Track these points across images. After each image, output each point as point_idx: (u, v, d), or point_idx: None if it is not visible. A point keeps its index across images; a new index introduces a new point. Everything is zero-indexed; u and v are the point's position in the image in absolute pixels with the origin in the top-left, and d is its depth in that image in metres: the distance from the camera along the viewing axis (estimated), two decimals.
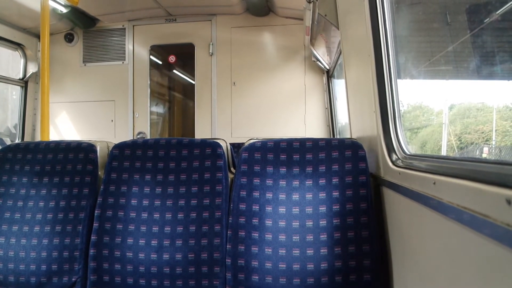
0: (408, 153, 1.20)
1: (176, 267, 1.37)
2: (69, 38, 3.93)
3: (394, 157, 1.23)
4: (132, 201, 1.47)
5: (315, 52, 3.24)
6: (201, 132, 3.83)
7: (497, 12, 1.42)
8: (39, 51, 3.70)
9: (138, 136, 3.89)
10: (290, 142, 1.43)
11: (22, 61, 3.74)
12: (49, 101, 2.86)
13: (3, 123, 4.10)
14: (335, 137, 3.48)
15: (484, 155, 1.96)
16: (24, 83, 3.76)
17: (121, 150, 1.54)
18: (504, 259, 0.57)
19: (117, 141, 1.60)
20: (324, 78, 3.64)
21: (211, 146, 1.49)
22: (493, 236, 0.59)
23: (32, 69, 3.73)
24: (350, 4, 1.62)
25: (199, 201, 1.43)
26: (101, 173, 1.61)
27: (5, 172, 1.60)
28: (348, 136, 1.84)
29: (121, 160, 1.53)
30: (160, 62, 4.24)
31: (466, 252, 0.70)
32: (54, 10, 3.38)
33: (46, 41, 2.78)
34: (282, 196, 1.37)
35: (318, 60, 3.42)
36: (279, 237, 1.32)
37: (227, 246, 1.35)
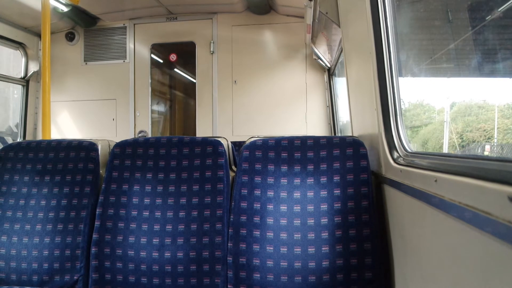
0: (409, 150, 1.19)
1: (177, 265, 1.38)
2: (70, 37, 3.93)
3: (395, 154, 1.22)
4: (134, 200, 1.47)
5: (316, 50, 3.23)
6: (202, 130, 3.83)
7: (499, 9, 1.41)
8: (40, 50, 3.71)
9: (139, 135, 3.89)
10: (291, 140, 1.43)
11: (23, 60, 3.74)
12: (50, 100, 2.87)
13: (5, 122, 4.11)
14: (336, 135, 3.48)
15: (486, 153, 1.96)
16: (25, 82, 3.76)
17: (122, 149, 1.55)
18: (506, 256, 0.57)
19: (118, 139, 1.60)
20: (325, 76, 3.63)
21: (212, 144, 1.49)
22: (495, 233, 0.59)
23: (33, 68, 3.74)
24: (351, 2, 1.61)
25: (200, 199, 1.43)
26: (102, 171, 1.61)
27: (6, 171, 1.61)
28: (350, 134, 1.84)
29: (123, 158, 1.53)
30: (161, 61, 4.24)
31: (468, 250, 0.70)
32: (55, 9, 3.38)
33: (47, 40, 2.79)
34: (283, 194, 1.37)
35: (319, 58, 3.41)
36: (281, 235, 1.32)
37: (229, 244, 1.36)
